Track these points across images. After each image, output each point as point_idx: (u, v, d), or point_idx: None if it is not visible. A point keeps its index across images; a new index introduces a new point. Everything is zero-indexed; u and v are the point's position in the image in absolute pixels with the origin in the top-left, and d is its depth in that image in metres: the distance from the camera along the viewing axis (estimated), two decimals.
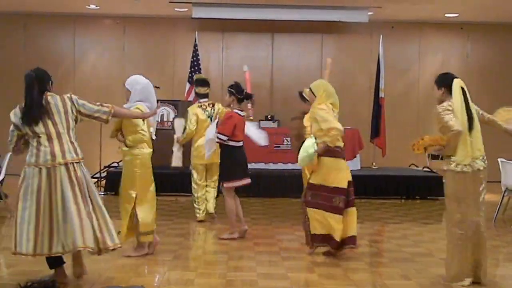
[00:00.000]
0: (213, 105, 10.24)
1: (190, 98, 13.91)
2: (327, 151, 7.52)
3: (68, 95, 6.29)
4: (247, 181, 8.86)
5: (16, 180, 6.10)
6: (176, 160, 10.17)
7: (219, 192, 10.08)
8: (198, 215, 10.19)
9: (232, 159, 8.70)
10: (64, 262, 6.32)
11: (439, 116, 6.38)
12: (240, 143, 8.74)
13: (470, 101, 6.49)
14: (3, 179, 10.56)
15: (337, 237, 7.43)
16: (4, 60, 15.95)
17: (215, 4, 15.04)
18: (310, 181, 7.70)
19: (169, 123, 13.45)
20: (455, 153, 6.31)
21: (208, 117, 10.02)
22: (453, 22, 16.68)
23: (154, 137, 7.92)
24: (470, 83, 14.54)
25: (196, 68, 15.05)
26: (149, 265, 7.29)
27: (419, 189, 13.40)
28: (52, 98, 6.20)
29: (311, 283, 6.56)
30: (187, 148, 10.41)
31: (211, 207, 10.28)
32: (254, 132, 9.08)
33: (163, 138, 12.95)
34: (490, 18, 16.21)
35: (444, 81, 6.66)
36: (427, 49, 17.15)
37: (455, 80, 6.54)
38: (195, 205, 10.24)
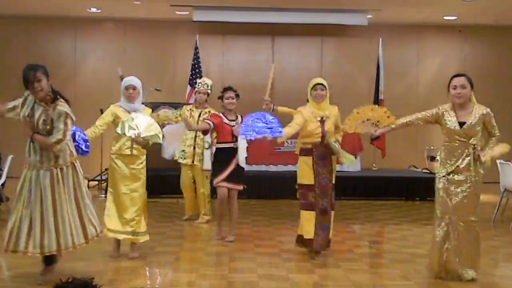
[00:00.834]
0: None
1: (191, 101, 13.89)
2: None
3: None
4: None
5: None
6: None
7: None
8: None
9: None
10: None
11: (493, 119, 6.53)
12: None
13: None
14: (4, 182, 10.55)
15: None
16: (6, 63, 15.92)
17: (216, 7, 15.04)
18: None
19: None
20: None
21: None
22: (452, 25, 16.68)
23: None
24: (472, 79, 14.42)
25: (197, 71, 15.05)
26: (150, 266, 7.27)
27: (418, 190, 13.36)
28: None
29: (311, 284, 6.54)
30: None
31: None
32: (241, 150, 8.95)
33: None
34: (488, 21, 16.21)
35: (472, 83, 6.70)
36: (426, 51, 17.16)
37: None
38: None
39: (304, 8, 15.08)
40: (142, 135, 7.18)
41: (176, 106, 13.87)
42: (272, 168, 13.70)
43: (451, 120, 6.51)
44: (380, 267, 7.69)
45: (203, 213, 10.23)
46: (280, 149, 13.16)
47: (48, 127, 6.10)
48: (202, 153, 10.02)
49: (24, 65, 6.19)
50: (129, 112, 7.45)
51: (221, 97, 8.94)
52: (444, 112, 6.59)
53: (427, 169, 14.48)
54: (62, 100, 6.22)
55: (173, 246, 8.46)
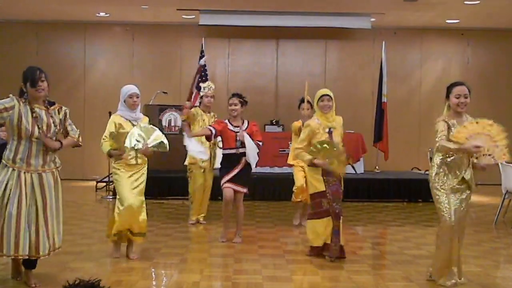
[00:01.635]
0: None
1: (197, 104, 13.87)
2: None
3: None
4: None
5: None
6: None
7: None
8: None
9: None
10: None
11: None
12: None
13: None
14: None
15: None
16: (18, 67, 15.83)
17: (221, 11, 15.04)
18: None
19: (177, 128, 13.47)
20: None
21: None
22: (454, 28, 16.65)
23: None
24: (471, 87, 14.47)
25: (203, 74, 15.01)
26: (156, 268, 7.26)
27: (421, 192, 13.31)
28: None
29: (315, 285, 6.52)
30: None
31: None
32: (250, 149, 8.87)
33: (170, 142, 12.96)
34: (490, 24, 16.18)
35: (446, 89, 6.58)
36: (429, 55, 17.13)
37: None
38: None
39: (308, 12, 15.07)
40: (149, 146, 7.18)
41: (182, 108, 13.91)
42: (277, 170, 13.70)
43: None
44: (383, 269, 7.66)
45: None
46: (284, 151, 13.14)
47: (57, 128, 6.11)
48: (213, 157, 10.02)
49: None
50: (130, 121, 7.42)
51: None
52: (450, 124, 6.41)
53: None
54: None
55: (178, 247, 8.44)
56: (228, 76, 16.85)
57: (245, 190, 8.69)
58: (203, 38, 15.51)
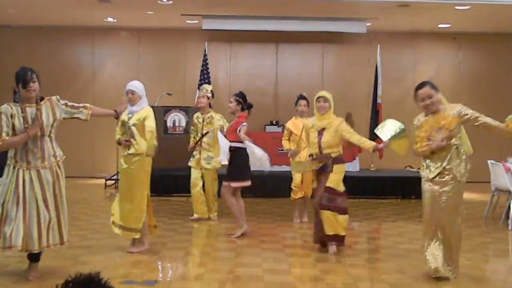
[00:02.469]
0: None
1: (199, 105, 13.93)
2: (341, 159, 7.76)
3: None
4: (248, 182, 8.92)
5: None
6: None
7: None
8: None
9: (243, 160, 8.76)
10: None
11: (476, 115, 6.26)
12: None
13: None
14: None
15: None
16: None
17: (223, 16, 15.07)
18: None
19: (180, 128, 13.51)
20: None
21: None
22: (446, 32, 16.68)
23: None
24: (463, 90, 14.67)
25: (206, 76, 15.07)
26: (162, 261, 7.31)
27: (414, 189, 13.28)
28: None
29: (313, 278, 6.56)
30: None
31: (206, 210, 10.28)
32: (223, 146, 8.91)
33: (175, 142, 13.04)
34: (481, 28, 16.21)
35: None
36: (422, 57, 17.16)
37: None
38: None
39: (306, 17, 15.09)
40: None
41: (185, 109, 14.00)
42: (276, 168, 13.70)
43: None
44: (378, 262, 7.71)
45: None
46: (283, 150, 13.16)
47: (53, 120, 6.16)
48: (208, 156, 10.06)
49: (46, 71, 6.25)
50: (126, 114, 7.54)
51: (250, 108, 8.99)
52: (417, 122, 6.47)
53: None
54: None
55: (183, 242, 8.49)
56: (230, 78, 16.89)
57: (226, 183, 8.76)
58: (206, 42, 15.55)
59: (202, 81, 14.80)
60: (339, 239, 7.64)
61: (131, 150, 7.46)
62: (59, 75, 15.84)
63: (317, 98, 7.73)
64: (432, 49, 17.16)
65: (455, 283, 6.31)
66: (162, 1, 13.50)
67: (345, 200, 7.61)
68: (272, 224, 10.08)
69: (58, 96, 6.34)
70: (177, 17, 15.08)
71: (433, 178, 6.27)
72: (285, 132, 9.97)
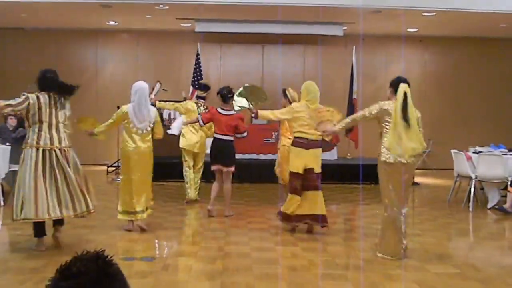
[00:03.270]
0: (206, 107, 10.09)
1: (193, 99, 13.91)
2: (292, 142, 7.65)
3: None
4: (217, 166, 8.73)
5: None
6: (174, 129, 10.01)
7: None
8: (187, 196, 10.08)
9: (211, 147, 8.81)
10: (45, 234, 6.35)
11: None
12: (219, 136, 8.73)
13: (410, 105, 6.23)
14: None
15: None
16: (39, 69, 15.86)
17: (214, 20, 14.98)
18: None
19: (175, 120, 13.51)
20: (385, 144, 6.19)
21: (198, 113, 9.87)
22: (414, 36, 16.67)
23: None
24: (428, 87, 14.68)
25: (198, 73, 15.01)
26: (159, 239, 7.27)
27: None
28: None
29: (295, 255, 6.55)
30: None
31: (194, 193, 10.08)
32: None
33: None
34: (445, 32, 16.22)
35: (393, 83, 6.58)
36: (392, 58, 17.15)
37: (401, 85, 6.34)
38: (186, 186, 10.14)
39: (289, 21, 15.03)
40: None
41: (180, 103, 13.98)
42: (262, 156, 13.70)
43: None
44: (353, 241, 7.71)
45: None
46: (268, 140, 13.17)
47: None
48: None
49: (54, 71, 6.30)
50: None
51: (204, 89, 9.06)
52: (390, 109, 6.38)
53: None
54: None
55: (178, 222, 8.48)
56: (220, 76, 16.81)
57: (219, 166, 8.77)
58: (198, 43, 15.46)
59: (195, 78, 14.74)
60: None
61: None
62: (65, 72, 15.38)
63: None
64: (401, 50, 17.15)
65: (421, 258, 6.32)
66: (159, 6, 13.42)
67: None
68: (259, 206, 10.07)
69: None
70: (172, 20, 15.00)
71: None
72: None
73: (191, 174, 9.98)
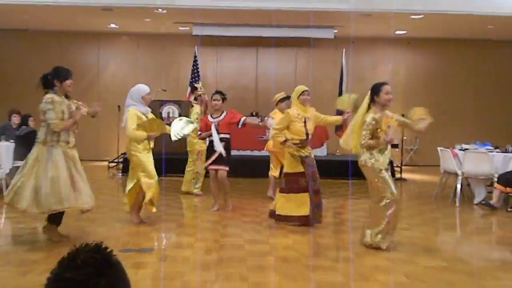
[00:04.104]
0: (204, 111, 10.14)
1: (191, 99, 13.86)
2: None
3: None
4: (212, 166, 8.66)
5: None
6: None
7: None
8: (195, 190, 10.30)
9: (208, 148, 8.88)
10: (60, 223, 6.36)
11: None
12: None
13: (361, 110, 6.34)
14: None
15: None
16: (43, 70, 15.76)
17: (211, 24, 14.96)
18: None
19: (174, 119, 13.44)
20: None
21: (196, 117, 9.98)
22: (402, 38, 16.64)
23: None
24: (416, 87, 14.62)
25: (196, 75, 14.96)
26: (157, 231, 7.21)
27: None
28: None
29: (287, 247, 6.48)
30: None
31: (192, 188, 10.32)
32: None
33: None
34: (432, 34, 16.21)
35: (371, 88, 6.48)
36: (380, 60, 17.13)
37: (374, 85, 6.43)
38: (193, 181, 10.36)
39: (282, 25, 15.01)
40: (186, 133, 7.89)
41: (178, 103, 13.98)
42: (256, 153, 13.65)
43: None
44: (343, 233, 7.64)
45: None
46: (262, 137, 13.10)
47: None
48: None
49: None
50: (143, 114, 7.42)
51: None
52: (377, 118, 6.31)
53: None
54: None
55: (176, 215, 8.41)
56: (217, 77, 16.75)
57: (222, 167, 8.65)
58: (196, 46, 15.40)
59: (193, 80, 14.69)
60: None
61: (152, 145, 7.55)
62: None
63: (302, 92, 7.59)
64: (389, 52, 17.11)
65: (409, 251, 6.26)
66: (158, 10, 13.38)
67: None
68: (253, 200, 10.01)
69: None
70: (171, 24, 14.99)
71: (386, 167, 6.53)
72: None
73: (197, 168, 10.30)
